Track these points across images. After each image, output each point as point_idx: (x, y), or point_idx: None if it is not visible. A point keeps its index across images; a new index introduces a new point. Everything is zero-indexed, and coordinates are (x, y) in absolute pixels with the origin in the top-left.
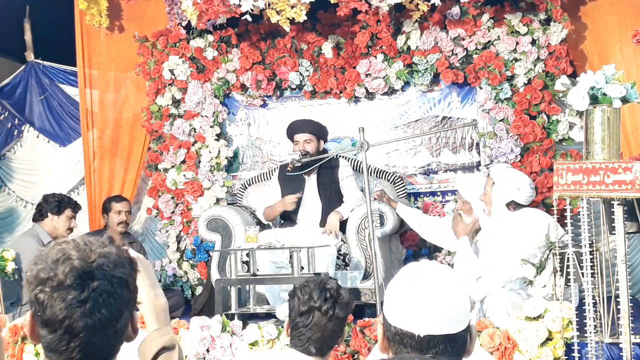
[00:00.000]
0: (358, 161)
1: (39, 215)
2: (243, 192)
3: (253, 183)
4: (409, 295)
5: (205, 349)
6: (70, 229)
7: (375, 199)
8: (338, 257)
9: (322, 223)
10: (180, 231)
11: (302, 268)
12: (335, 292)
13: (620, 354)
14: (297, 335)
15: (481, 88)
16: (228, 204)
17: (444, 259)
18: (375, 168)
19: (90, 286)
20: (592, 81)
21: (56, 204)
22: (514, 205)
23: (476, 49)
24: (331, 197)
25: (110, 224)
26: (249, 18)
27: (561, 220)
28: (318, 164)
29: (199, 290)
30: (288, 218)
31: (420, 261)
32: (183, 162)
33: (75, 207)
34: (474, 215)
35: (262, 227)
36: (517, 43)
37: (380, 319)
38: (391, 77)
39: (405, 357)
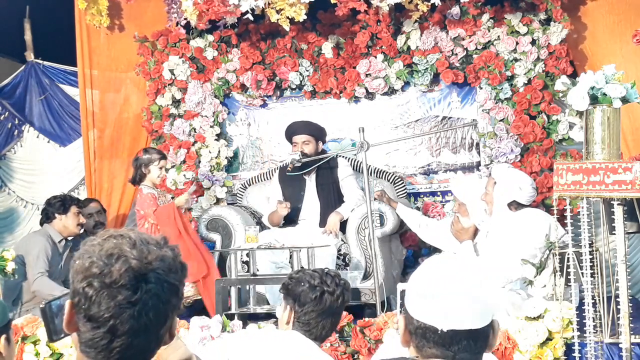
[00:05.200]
0: (358, 161)
1: (46, 218)
2: (243, 192)
3: (253, 183)
4: (432, 289)
5: None
6: (80, 224)
7: (375, 199)
8: (338, 257)
9: (322, 223)
10: None
11: (302, 268)
12: (340, 279)
13: (620, 354)
14: (306, 321)
15: (481, 88)
16: (228, 204)
17: None
18: (375, 168)
19: (143, 289)
20: (592, 81)
21: (60, 203)
22: (515, 205)
23: (476, 49)
24: (330, 197)
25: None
26: (250, 17)
27: (561, 220)
28: (318, 164)
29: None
30: (288, 218)
31: (443, 254)
32: (183, 162)
33: (80, 203)
34: (471, 219)
35: (262, 227)
36: (517, 43)
37: (400, 311)
38: (391, 77)
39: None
